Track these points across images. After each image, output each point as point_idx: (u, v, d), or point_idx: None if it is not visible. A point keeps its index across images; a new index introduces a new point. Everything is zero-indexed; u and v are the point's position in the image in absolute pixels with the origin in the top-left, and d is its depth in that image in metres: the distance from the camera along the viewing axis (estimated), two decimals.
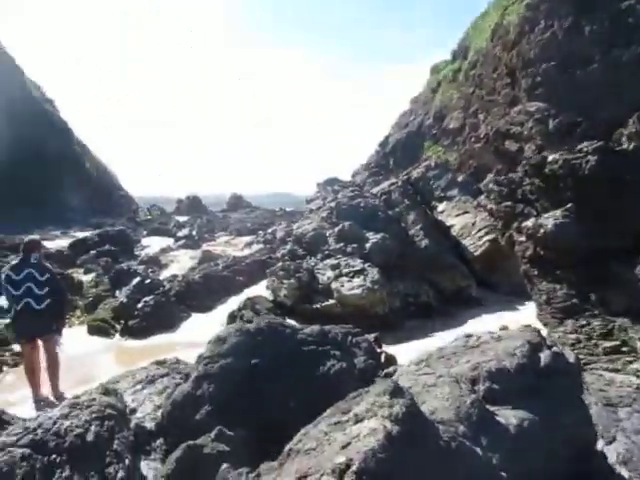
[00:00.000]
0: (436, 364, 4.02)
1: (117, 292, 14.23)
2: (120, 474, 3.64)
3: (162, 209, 66.95)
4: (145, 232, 39.08)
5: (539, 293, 9.78)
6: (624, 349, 7.95)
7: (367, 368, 4.82)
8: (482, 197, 14.57)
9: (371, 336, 5.58)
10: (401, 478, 2.26)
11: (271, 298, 12.75)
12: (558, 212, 9.72)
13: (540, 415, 3.29)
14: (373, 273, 11.52)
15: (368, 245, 12.64)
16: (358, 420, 2.55)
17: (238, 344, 4.47)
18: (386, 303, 11.30)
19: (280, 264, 13.06)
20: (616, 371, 7.29)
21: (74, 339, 8.67)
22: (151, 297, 12.56)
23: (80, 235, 32.98)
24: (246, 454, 3.82)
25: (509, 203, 12.00)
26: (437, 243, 13.67)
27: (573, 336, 8.51)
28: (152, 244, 31.60)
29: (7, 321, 11.29)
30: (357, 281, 11.30)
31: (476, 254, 13.55)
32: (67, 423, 3.76)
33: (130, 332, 11.89)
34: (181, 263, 22.75)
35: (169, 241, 32.61)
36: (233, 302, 13.85)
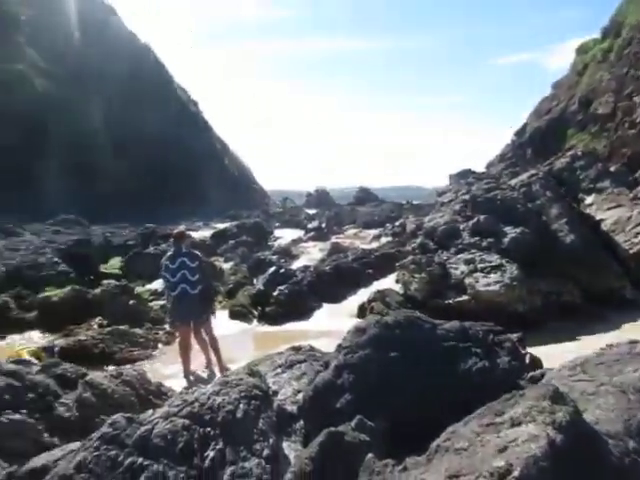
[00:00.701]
0: (594, 371, 3.66)
1: (255, 280, 15.06)
2: (266, 452, 3.82)
3: (293, 202, 69.52)
4: (277, 224, 40.90)
5: None
6: None
7: (511, 369, 4.55)
8: None
9: (514, 336, 5.25)
10: None
11: (401, 292, 12.64)
12: None
13: None
14: (512, 269, 10.89)
15: (506, 240, 11.97)
16: (514, 424, 2.40)
17: (377, 336, 4.46)
18: (526, 301, 10.63)
19: (411, 257, 12.87)
20: None
21: (217, 322, 9.33)
22: (285, 286, 13.11)
23: (220, 226, 35.45)
24: (384, 446, 3.81)
25: None
26: (584, 239, 12.53)
27: None
28: (284, 235, 32.95)
29: (162, 302, 12.51)
30: (494, 277, 10.76)
31: (631, 252, 12.20)
32: (219, 399, 4.03)
33: (267, 318, 12.53)
34: (311, 254, 23.45)
35: (299, 233, 33.76)
36: (362, 294, 13.97)
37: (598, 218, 13.48)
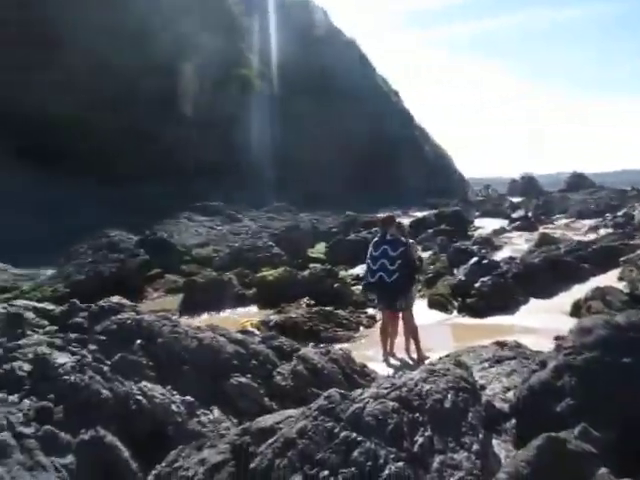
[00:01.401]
0: None
1: (455, 270, 14.70)
2: (475, 446, 3.68)
3: (495, 190, 66.05)
4: (478, 213, 39.27)
5: None
6: None
7: None
8: None
9: None
10: None
11: (626, 290, 11.10)
12: None
13: None
14: None
15: None
16: None
17: (606, 338, 3.95)
18: None
19: None
20: None
21: (416, 311, 9.30)
22: (489, 277, 12.51)
23: (418, 215, 35.34)
24: (612, 461, 3.37)
25: None
26: None
27: None
28: (485, 225, 31.52)
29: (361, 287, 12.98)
30: None
31: None
32: (427, 387, 3.99)
33: (467, 309, 12.13)
34: (516, 245, 22.03)
35: (502, 222, 31.96)
36: (577, 290, 12.65)
37: None
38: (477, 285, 12.38)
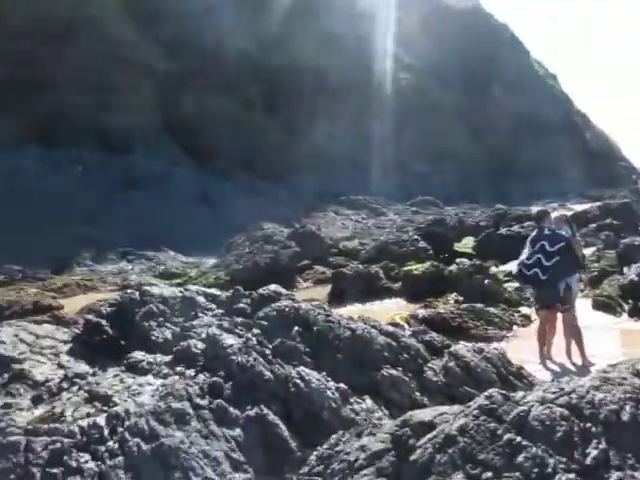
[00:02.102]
0: None
1: (624, 269, 13.21)
2: None
3: None
4: None
5: None
6: None
7: None
8: None
9: None
10: None
11: None
12: None
13: None
14: None
15: None
16: None
17: None
18: None
19: None
20: None
21: (579, 312, 8.54)
22: None
23: (578, 208, 32.40)
24: None
25: None
26: None
27: None
28: None
29: (516, 284, 12.27)
30: None
31: None
32: (600, 396, 3.66)
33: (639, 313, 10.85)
34: None
35: None
36: None
37: None
38: None
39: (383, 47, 51.75)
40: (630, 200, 31.65)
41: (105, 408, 4.86)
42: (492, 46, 62.00)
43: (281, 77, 40.51)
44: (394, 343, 6.25)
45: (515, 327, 10.71)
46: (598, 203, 29.86)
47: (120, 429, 4.43)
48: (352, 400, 5.41)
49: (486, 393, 3.49)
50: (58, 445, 4.27)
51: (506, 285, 13.40)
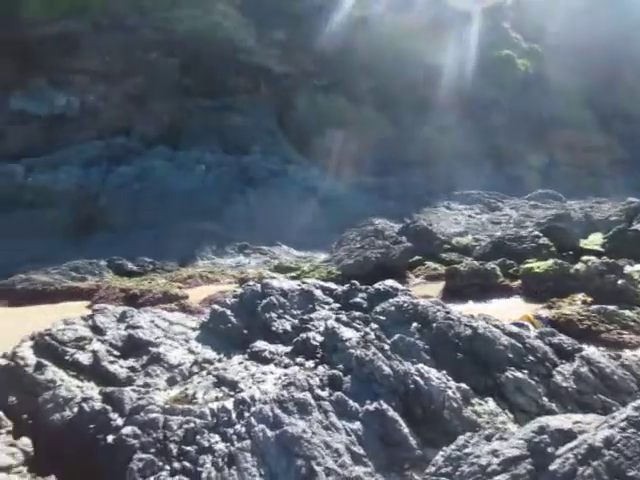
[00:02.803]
0: None
1: None
2: None
3: None
4: None
5: None
6: None
7: None
8: None
9: None
10: None
11: None
12: None
13: None
14: None
15: None
16: None
17: None
18: None
19: None
20: None
21: None
22: None
23: None
24: None
25: None
26: None
27: None
28: None
29: None
30: None
31: None
32: None
33: None
34: None
35: None
36: None
37: None
38: None
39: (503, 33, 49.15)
40: None
41: (232, 393, 5.12)
42: (625, 26, 56.33)
43: (391, 72, 40.09)
44: (519, 344, 5.92)
45: None
46: None
47: (246, 414, 4.64)
48: (474, 401, 5.21)
49: (634, 404, 3.16)
50: (191, 425, 4.58)
51: None
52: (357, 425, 4.71)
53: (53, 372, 5.13)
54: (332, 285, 7.78)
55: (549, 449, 2.83)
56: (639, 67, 54.87)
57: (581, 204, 30.98)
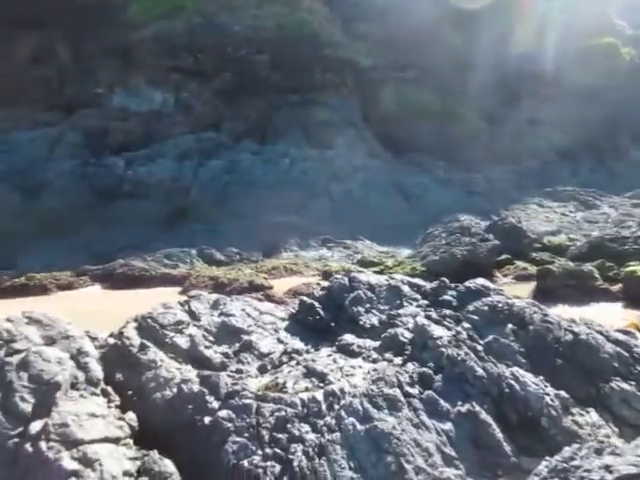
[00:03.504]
0: None
1: None
2: None
3: None
4: None
5: None
6: None
7: None
8: None
9: None
10: None
11: None
12: None
13: None
14: None
15: None
16: None
17: None
18: None
19: None
20: None
21: None
22: None
23: None
24: None
25: None
26: None
27: None
28: None
29: None
30: None
31: None
32: None
33: None
34: None
35: None
36: None
37: None
38: None
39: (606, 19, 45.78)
40: None
41: (321, 384, 5.17)
42: None
43: (482, 63, 38.63)
44: (625, 353, 5.51)
45: None
46: None
47: (336, 406, 4.67)
48: (574, 411, 4.91)
49: None
50: (282, 413, 4.68)
51: None
52: (448, 426, 4.59)
53: (154, 353, 5.44)
54: (420, 281, 7.64)
55: None
56: None
57: None
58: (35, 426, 4.01)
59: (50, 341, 4.87)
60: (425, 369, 5.12)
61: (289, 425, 4.59)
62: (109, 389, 4.83)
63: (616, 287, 13.25)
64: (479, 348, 5.22)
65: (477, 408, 4.71)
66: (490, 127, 38.64)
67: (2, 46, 35.30)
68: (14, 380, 4.23)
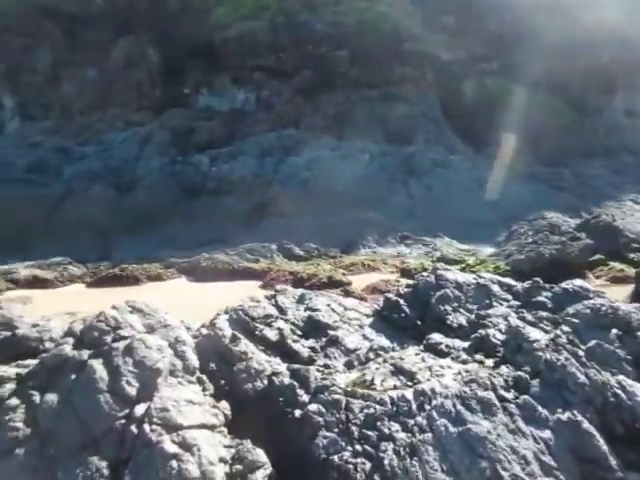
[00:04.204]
0: None
1: None
2: None
3: None
4: None
5: None
6: None
7: None
8: None
9: None
10: None
11: None
12: None
13: None
14: None
15: None
16: None
17: None
18: None
19: None
20: None
21: None
22: None
23: None
24: None
25: None
26: None
27: None
28: None
29: None
30: None
31: None
32: None
33: None
34: None
35: None
36: None
37: None
38: None
39: None
40: None
41: (409, 383, 5.09)
42: None
43: (573, 52, 36.49)
44: None
45: None
46: None
47: (427, 406, 4.57)
48: None
49: None
50: (372, 410, 4.64)
51: None
52: (547, 434, 4.37)
53: (245, 345, 5.59)
54: (510, 281, 7.33)
55: None
56: None
57: None
58: (139, 409, 4.24)
59: (151, 329, 5.13)
60: (521, 373, 4.89)
61: (378, 423, 4.54)
62: (204, 377, 5.01)
63: None
64: (580, 353, 4.91)
65: (579, 417, 4.44)
66: (582, 119, 36.45)
67: (98, 53, 37.80)
68: (120, 364, 4.49)
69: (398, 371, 5.33)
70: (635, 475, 4.34)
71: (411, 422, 4.49)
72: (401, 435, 4.38)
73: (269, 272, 17.86)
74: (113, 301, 6.27)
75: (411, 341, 6.34)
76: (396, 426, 4.50)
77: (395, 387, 5.06)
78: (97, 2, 39.97)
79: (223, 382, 5.26)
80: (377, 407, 4.68)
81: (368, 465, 4.21)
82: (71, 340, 4.88)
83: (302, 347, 5.82)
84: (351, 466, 4.22)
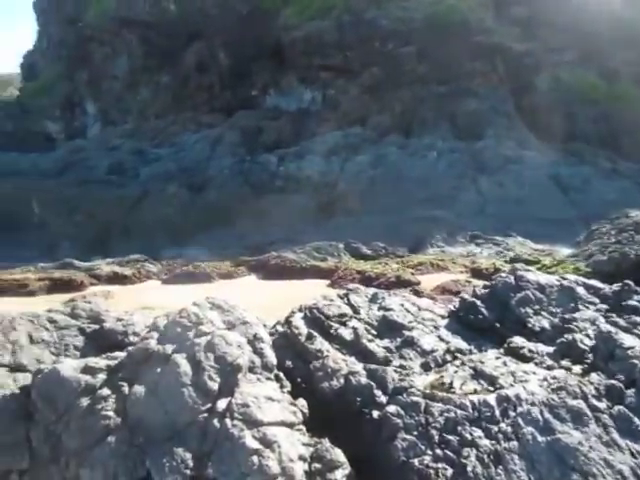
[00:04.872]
0: None
1: None
2: None
3: None
4: None
5: None
6: None
7: None
8: None
9: None
10: None
11: None
12: None
13: None
14: None
15: None
16: None
17: None
18: None
19: None
20: None
21: None
22: None
23: None
24: None
25: None
26: None
27: None
28: None
29: None
30: None
31: None
32: None
33: None
34: None
35: None
36: None
37: None
38: None
39: None
40: None
41: (491, 388, 4.90)
42: None
43: None
44: None
45: None
46: None
47: (512, 413, 4.38)
48: None
49: None
50: (452, 414, 4.51)
51: None
52: None
53: (321, 343, 5.59)
54: (597, 283, 6.91)
55: None
56: None
57: None
58: (221, 404, 4.33)
59: (230, 326, 5.23)
60: (614, 382, 4.59)
61: (459, 427, 4.41)
62: (281, 375, 5.06)
63: None
64: None
65: None
66: None
67: (172, 57, 39.34)
68: (202, 360, 4.61)
69: (478, 375, 5.15)
70: None
71: (495, 429, 4.32)
72: (484, 442, 4.23)
73: (336, 270, 17.85)
74: (187, 297, 6.46)
75: (489, 344, 6.12)
76: (478, 432, 4.35)
77: (475, 391, 4.89)
78: (170, 9, 41.64)
79: (299, 380, 5.29)
80: (458, 411, 4.54)
81: (450, 471, 4.09)
82: (155, 334, 5.07)
83: (377, 347, 5.75)
84: (432, 471, 4.11)
